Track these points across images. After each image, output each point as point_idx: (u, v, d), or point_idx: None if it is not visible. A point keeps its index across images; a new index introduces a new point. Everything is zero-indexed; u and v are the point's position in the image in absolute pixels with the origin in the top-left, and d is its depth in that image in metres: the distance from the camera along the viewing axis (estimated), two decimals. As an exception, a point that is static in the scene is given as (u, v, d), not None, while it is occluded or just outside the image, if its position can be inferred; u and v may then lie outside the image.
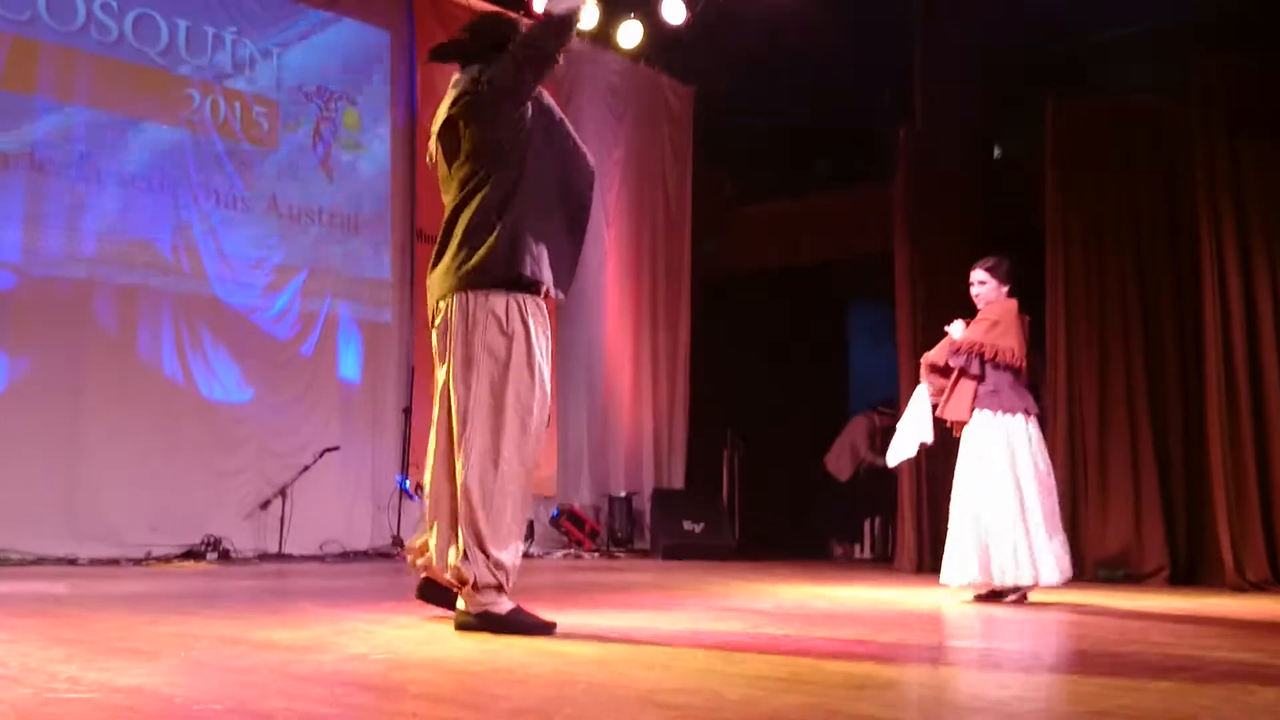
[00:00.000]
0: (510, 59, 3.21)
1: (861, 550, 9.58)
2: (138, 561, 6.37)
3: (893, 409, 7.87)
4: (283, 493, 7.13)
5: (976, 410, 5.06)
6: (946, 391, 5.18)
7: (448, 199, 3.34)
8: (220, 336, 7.25)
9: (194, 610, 3.74)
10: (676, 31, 8.98)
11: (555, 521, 8.53)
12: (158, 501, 6.73)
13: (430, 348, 3.37)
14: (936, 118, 8.18)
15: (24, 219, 6.54)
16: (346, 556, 7.26)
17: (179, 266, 7.14)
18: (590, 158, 3.43)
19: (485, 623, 3.10)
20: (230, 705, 2.00)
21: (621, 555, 8.58)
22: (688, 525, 8.72)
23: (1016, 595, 4.91)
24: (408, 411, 7.98)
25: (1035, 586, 4.91)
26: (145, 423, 6.83)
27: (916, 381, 5.50)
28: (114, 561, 6.29)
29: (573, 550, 8.45)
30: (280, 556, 7.00)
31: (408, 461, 7.93)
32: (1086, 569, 6.81)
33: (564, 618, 3.32)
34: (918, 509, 7.65)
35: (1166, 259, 6.99)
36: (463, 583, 3.12)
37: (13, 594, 4.29)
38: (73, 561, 6.17)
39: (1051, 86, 7.53)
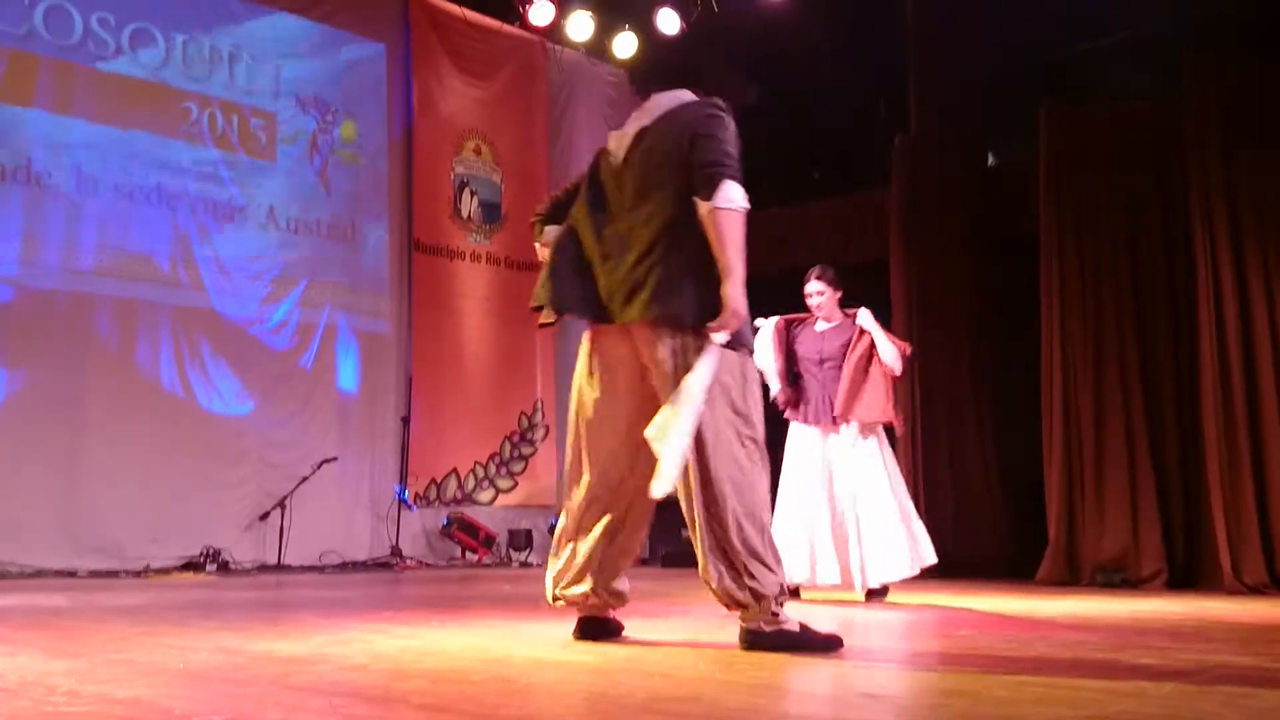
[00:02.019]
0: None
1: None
2: (137, 573, 6.37)
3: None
4: (282, 504, 7.13)
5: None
6: (885, 392, 5.20)
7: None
8: (219, 348, 7.26)
9: (193, 622, 3.73)
10: (671, 42, 8.99)
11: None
12: (157, 513, 6.74)
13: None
14: (932, 124, 8.19)
15: (22, 232, 6.56)
16: (345, 567, 7.26)
17: (177, 279, 7.15)
18: None
19: (780, 639, 3.01)
20: (229, 717, 2.00)
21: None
22: (686, 533, 8.69)
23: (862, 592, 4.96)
24: (406, 421, 7.97)
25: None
26: (144, 435, 6.83)
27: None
28: (113, 574, 6.29)
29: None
30: (279, 567, 7.00)
31: (406, 471, 7.92)
32: (1084, 573, 6.81)
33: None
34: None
35: (1161, 264, 7.00)
36: (740, 605, 3.06)
37: (12, 607, 4.29)
38: (72, 574, 6.17)
39: (1046, 93, 7.54)
